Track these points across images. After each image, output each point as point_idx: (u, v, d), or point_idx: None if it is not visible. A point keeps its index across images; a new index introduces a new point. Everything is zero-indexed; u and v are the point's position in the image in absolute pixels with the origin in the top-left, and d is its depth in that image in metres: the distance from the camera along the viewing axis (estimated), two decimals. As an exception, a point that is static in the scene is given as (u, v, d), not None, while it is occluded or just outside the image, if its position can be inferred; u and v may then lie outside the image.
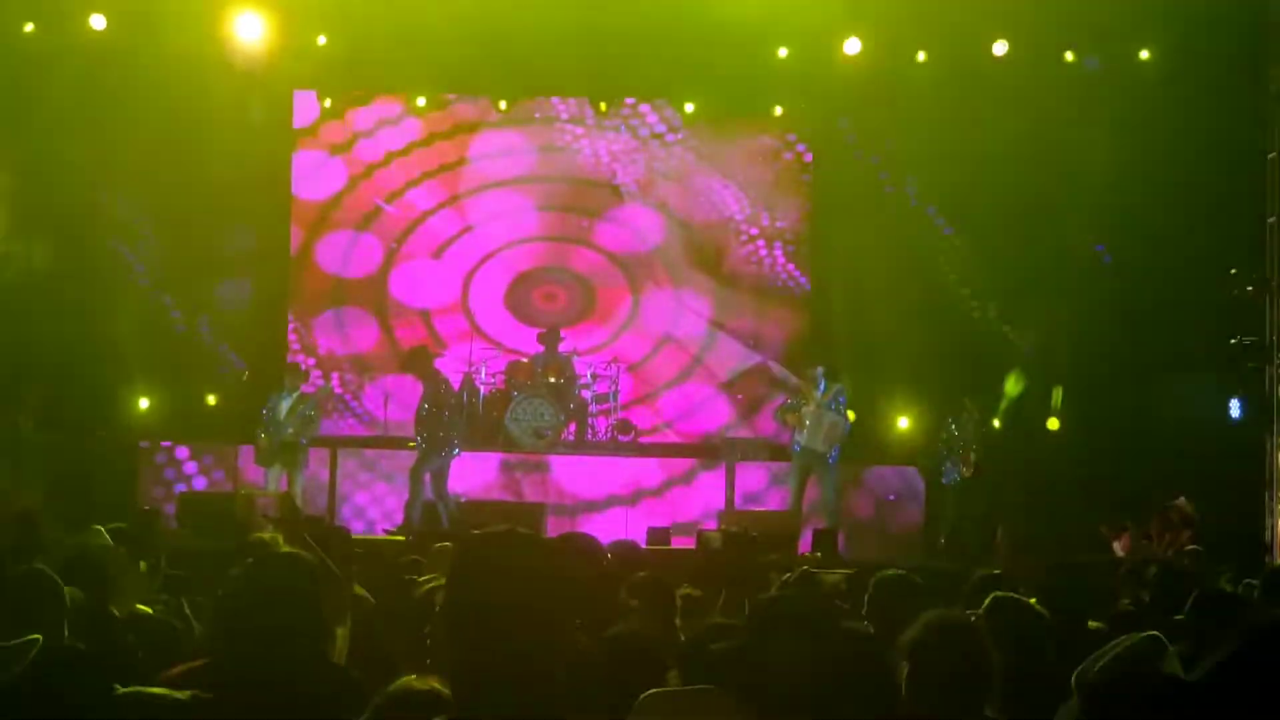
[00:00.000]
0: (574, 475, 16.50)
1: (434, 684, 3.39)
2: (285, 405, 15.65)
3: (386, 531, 15.05)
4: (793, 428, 15.53)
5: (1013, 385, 17.27)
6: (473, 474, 16.07)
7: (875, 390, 17.68)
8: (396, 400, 17.47)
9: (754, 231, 18.93)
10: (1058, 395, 17.33)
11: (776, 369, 18.65)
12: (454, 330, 18.66)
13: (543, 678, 2.65)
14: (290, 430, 15.52)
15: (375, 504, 16.35)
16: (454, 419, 15.28)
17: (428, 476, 15.05)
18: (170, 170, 17.44)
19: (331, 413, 17.86)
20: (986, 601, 5.01)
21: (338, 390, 18.55)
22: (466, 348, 17.77)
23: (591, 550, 5.59)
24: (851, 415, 15.63)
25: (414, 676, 3.49)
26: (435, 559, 7.91)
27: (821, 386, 15.56)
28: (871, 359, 17.72)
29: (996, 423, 17.05)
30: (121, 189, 17.85)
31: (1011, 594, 5.26)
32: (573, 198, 18.98)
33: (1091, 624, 6.59)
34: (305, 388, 16.12)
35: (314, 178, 18.90)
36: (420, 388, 15.42)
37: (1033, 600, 5.41)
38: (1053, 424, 17.40)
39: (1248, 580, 8.33)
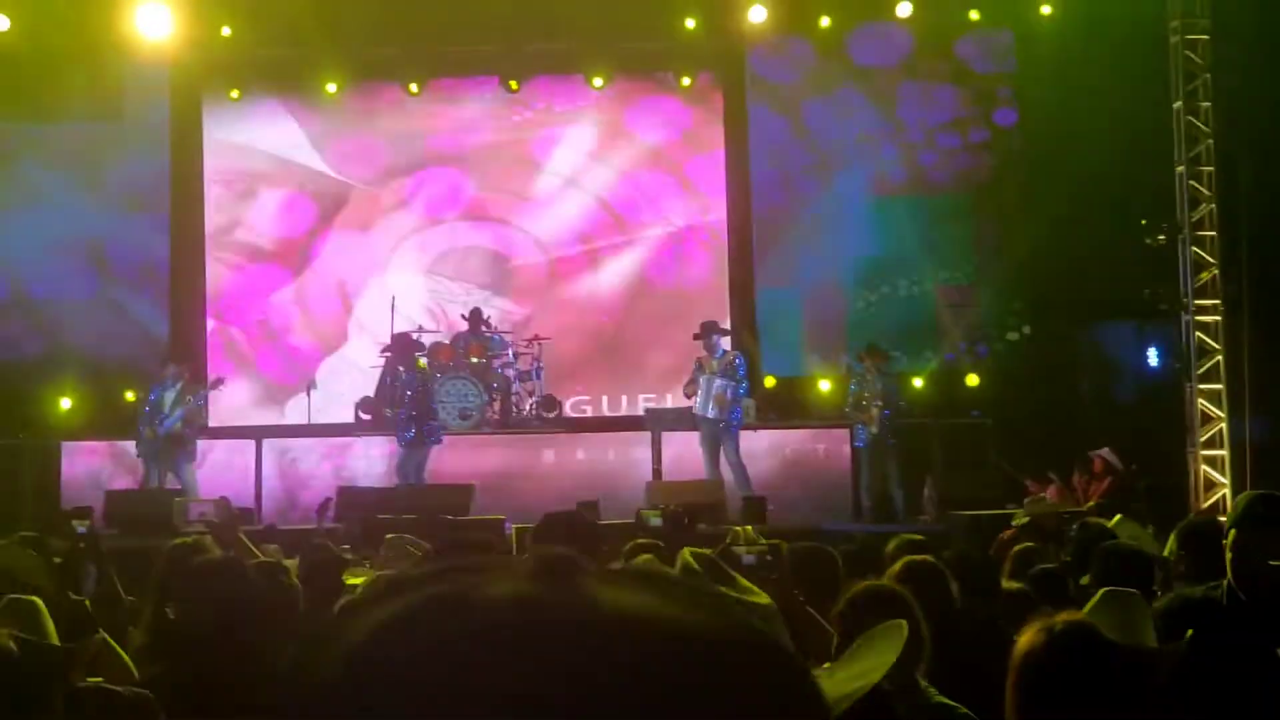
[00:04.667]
0: (498, 452, 16.35)
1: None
2: (170, 395, 15.00)
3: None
4: (691, 397, 15.43)
5: None
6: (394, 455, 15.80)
7: (798, 354, 17.83)
8: (322, 390, 17.36)
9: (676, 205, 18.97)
10: None
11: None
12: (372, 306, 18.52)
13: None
14: (178, 423, 14.91)
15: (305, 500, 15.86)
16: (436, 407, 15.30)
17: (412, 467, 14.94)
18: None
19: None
20: (898, 566, 5.05)
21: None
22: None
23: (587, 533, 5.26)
24: (771, 381, 15.54)
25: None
26: (389, 549, 7.60)
27: (719, 353, 15.40)
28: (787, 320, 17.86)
29: (918, 381, 17.16)
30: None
31: (925, 557, 5.28)
32: (494, 177, 18.87)
33: (1011, 584, 6.63)
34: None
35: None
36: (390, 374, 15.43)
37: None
38: (972, 380, 17.50)
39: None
